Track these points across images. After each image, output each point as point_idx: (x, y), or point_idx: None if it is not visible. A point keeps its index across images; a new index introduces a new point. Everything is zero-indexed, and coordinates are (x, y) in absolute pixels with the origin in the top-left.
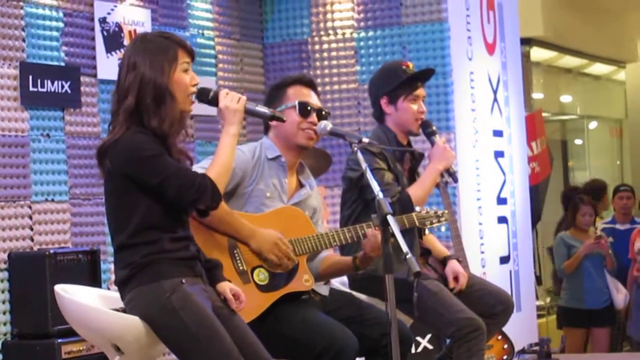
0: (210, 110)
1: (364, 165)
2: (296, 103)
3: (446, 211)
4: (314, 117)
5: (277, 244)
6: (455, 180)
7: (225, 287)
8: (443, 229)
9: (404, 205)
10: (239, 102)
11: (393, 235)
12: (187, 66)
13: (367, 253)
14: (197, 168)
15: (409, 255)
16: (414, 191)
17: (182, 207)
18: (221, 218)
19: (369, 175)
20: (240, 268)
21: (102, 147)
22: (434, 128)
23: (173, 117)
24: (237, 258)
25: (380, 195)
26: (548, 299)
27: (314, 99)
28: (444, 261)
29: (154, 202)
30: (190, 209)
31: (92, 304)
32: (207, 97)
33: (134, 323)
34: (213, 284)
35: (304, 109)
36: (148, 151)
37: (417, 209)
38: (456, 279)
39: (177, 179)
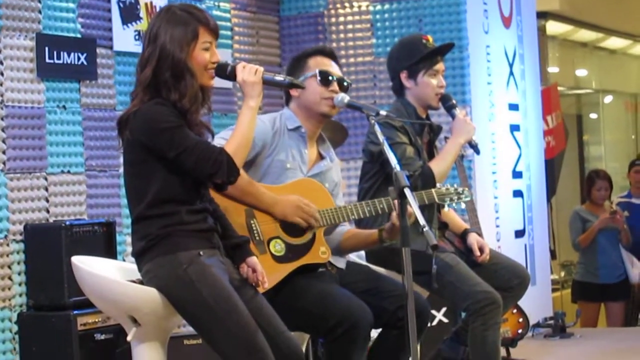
0: (226, 83)
1: (381, 138)
2: (317, 72)
3: (467, 189)
4: (335, 85)
5: (300, 206)
6: (477, 152)
7: (256, 260)
8: (463, 205)
9: (426, 180)
10: (256, 73)
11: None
12: (209, 45)
13: (396, 224)
14: (218, 138)
15: (426, 228)
16: (436, 165)
17: (199, 180)
18: (243, 188)
19: (387, 148)
20: (257, 239)
21: (122, 117)
22: (454, 101)
23: (193, 93)
24: (254, 229)
25: (398, 167)
26: (562, 273)
27: (335, 69)
28: (463, 234)
29: (172, 174)
30: (207, 182)
31: (109, 275)
32: (225, 72)
33: (150, 295)
34: (243, 258)
35: (325, 78)
36: (166, 123)
37: (438, 185)
38: (481, 249)
39: (194, 152)
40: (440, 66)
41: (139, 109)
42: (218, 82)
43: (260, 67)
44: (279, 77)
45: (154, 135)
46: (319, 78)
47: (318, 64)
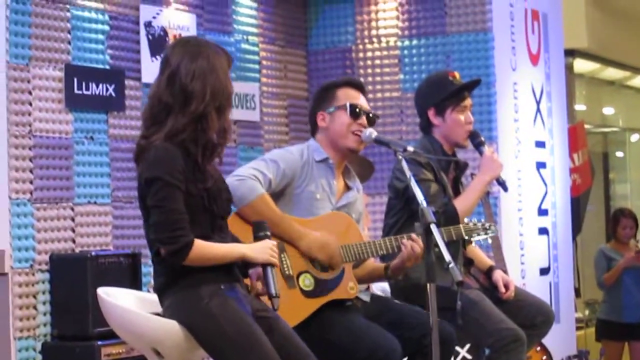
0: (253, 116)
1: (408, 174)
2: (347, 105)
3: (493, 224)
4: (364, 119)
5: (328, 243)
6: (505, 189)
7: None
8: (489, 241)
9: (449, 218)
10: None
11: (436, 244)
12: None
13: (403, 262)
14: (248, 168)
15: (452, 265)
16: (460, 204)
17: (219, 214)
18: (275, 222)
19: (413, 184)
20: (287, 272)
21: (141, 146)
22: (482, 138)
23: (229, 126)
24: (284, 262)
25: (424, 204)
26: (587, 311)
27: (363, 102)
28: (488, 271)
29: (188, 208)
30: (154, 245)
31: (133, 308)
32: None
33: (174, 328)
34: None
35: (354, 111)
36: (167, 176)
37: (465, 220)
38: (506, 286)
39: (164, 214)
40: (467, 102)
41: (156, 146)
42: (245, 115)
43: None
44: None
45: (149, 176)
46: (348, 111)
47: (347, 96)
